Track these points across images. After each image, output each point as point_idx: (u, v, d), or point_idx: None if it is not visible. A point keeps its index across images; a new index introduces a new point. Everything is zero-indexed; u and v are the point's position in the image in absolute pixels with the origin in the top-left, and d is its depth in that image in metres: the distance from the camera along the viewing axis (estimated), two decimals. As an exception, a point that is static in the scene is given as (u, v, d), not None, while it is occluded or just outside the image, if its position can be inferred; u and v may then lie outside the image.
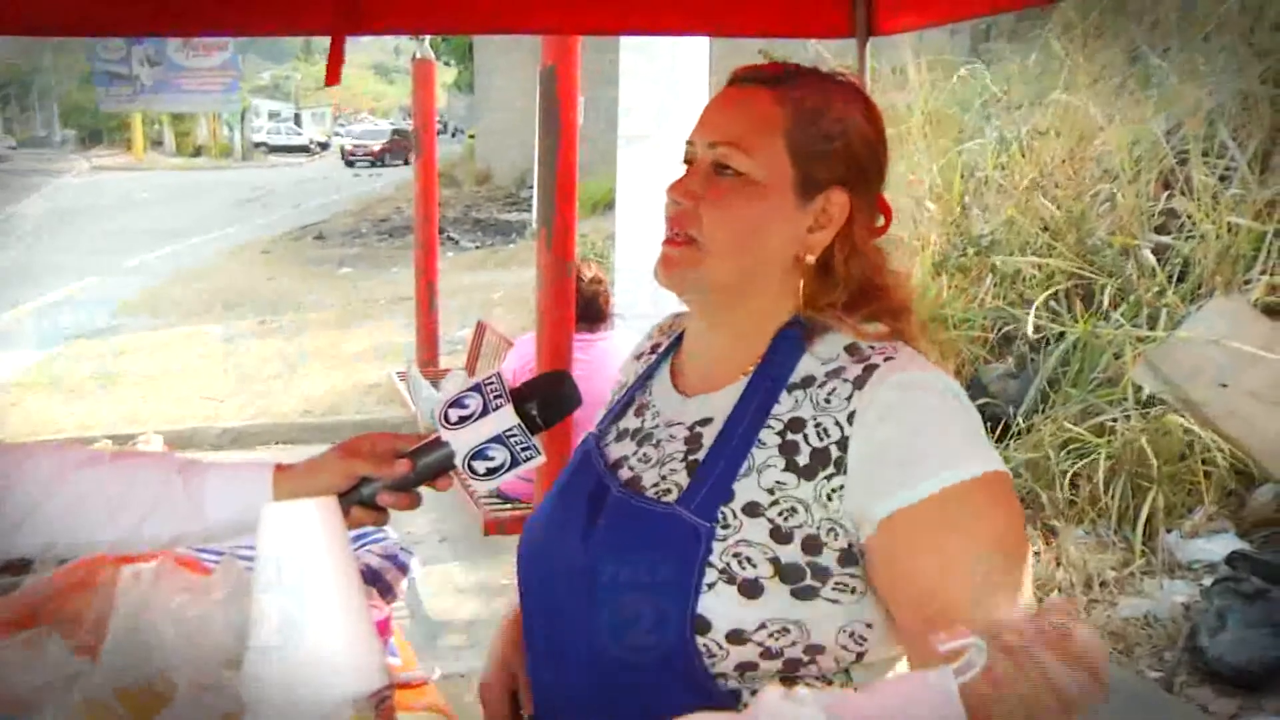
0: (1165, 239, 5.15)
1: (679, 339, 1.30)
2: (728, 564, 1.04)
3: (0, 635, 1.50)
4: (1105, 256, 5.25)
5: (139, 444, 3.57)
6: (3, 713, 1.38)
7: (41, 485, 1.23)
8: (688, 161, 1.19)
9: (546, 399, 1.22)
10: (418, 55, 7.03)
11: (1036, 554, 4.08)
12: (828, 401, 1.08)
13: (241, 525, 1.25)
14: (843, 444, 1.05)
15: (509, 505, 4.34)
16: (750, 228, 1.13)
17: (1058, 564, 3.97)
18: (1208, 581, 3.71)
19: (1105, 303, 4.99)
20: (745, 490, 1.08)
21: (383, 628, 1.65)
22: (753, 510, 1.06)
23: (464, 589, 4.48)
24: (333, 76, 1.75)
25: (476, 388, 1.20)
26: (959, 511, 1.01)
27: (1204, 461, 4.18)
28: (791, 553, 1.04)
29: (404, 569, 1.80)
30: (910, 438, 1.03)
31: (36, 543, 1.27)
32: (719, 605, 1.04)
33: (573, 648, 1.14)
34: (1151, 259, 5.01)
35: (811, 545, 1.05)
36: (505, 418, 1.18)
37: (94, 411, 7.28)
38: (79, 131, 54.21)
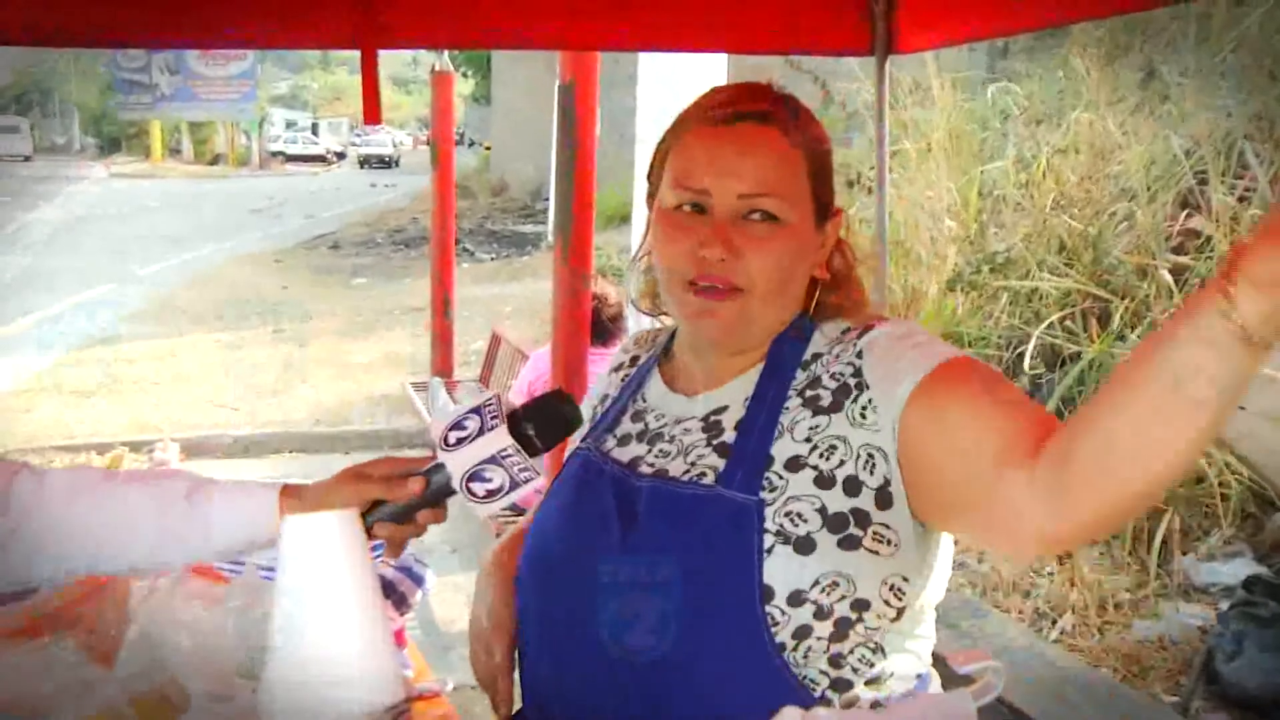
0: (1183, 259, 5.12)
1: (664, 349, 1.34)
2: (780, 525, 1.09)
3: (14, 641, 1.50)
4: (1122, 276, 5.22)
5: (156, 451, 3.58)
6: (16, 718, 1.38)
7: (58, 510, 1.23)
8: (698, 206, 1.17)
9: (545, 419, 1.21)
10: (437, 67, 7.04)
11: (1050, 574, 4.06)
12: (837, 356, 1.17)
13: (249, 547, 1.27)
14: (858, 372, 1.14)
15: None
16: (791, 267, 1.19)
17: (1072, 585, 3.94)
18: (1224, 605, 3.67)
19: (1121, 323, 4.97)
20: (783, 450, 1.13)
21: (396, 639, 1.65)
22: (794, 464, 1.12)
23: (475, 600, 4.46)
24: (371, 116, 1.77)
25: (476, 410, 1.20)
26: (968, 367, 1.12)
27: (1221, 484, 4.15)
28: (835, 498, 1.09)
29: (419, 581, 1.79)
30: (913, 340, 1.14)
31: (51, 568, 1.27)
32: (779, 569, 1.08)
33: (601, 653, 1.14)
34: (1169, 279, 4.99)
35: (852, 486, 1.09)
36: (500, 438, 1.16)
37: (104, 418, 7.30)
38: (98, 139, 54.63)
